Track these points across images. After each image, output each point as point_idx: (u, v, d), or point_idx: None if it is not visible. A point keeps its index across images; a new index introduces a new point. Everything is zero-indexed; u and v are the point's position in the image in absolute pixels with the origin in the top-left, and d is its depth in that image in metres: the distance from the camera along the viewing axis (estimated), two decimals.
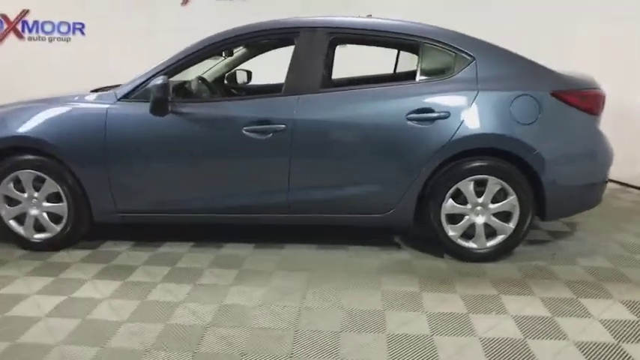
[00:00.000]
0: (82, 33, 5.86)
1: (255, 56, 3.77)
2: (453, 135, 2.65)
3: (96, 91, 3.13)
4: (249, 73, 4.05)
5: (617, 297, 2.44)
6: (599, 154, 2.79)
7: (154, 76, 2.78)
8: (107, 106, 2.81)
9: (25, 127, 2.82)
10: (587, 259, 2.92)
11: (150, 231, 3.23)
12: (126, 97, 2.83)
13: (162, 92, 2.63)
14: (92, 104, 2.85)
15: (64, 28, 5.80)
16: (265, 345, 2.03)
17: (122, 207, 2.90)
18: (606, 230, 3.40)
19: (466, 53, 2.76)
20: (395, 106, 2.71)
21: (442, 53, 2.80)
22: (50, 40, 5.79)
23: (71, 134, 2.81)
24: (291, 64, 2.81)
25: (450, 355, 1.97)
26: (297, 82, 2.78)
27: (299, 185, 2.79)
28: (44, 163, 2.84)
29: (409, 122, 2.68)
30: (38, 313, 2.27)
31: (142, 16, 5.96)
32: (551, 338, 2.08)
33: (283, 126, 2.70)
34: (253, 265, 2.81)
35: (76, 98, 2.92)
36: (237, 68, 3.88)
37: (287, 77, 2.81)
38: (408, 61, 3.93)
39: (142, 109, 2.76)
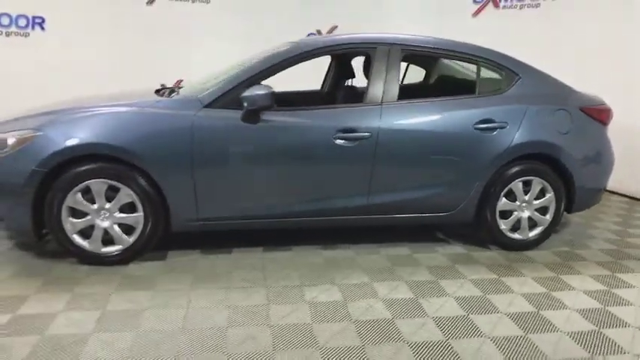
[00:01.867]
0: (42, 28, 5.34)
1: None
2: (511, 142, 3.09)
3: (158, 91, 3.01)
4: None
5: None
6: (609, 160, 3.43)
7: (243, 82, 2.81)
8: (193, 113, 2.76)
9: (103, 134, 2.67)
10: (594, 243, 3.57)
11: (202, 238, 3.21)
12: (211, 104, 2.80)
13: (268, 101, 2.69)
14: (175, 110, 2.78)
15: (22, 22, 5.22)
16: None
17: (204, 214, 2.86)
18: (589, 220, 4.14)
19: (512, 72, 3.24)
20: (463, 116, 3.08)
21: (495, 71, 3.24)
22: (7, 35, 5.17)
23: (155, 142, 2.71)
24: (370, 75, 3.03)
25: (562, 323, 2.38)
26: (377, 92, 3.01)
27: (379, 189, 3.02)
28: (120, 171, 2.70)
29: (476, 131, 3.06)
30: (174, 326, 2.22)
31: (105, 12, 5.63)
32: (621, 305, 2.61)
33: (369, 134, 2.92)
34: (359, 263, 2.98)
35: (154, 103, 2.82)
36: None
37: (368, 88, 3.02)
38: (416, 74, 4.37)
39: (231, 116, 2.79)
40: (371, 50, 3.08)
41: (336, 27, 7.07)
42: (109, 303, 2.40)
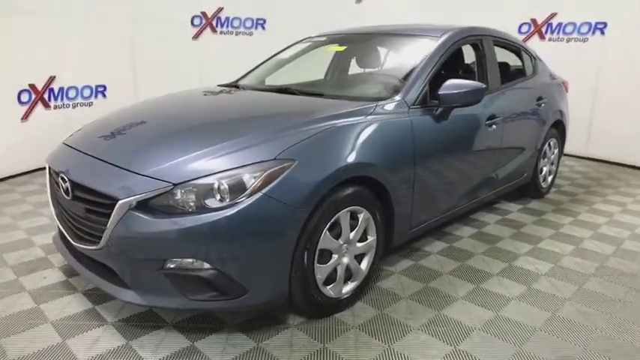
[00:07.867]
0: None
1: None
2: (550, 113, 3.93)
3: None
4: None
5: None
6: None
7: (427, 76, 2.71)
8: (406, 115, 2.52)
9: (364, 153, 2.25)
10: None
11: None
12: (413, 103, 2.60)
13: (480, 96, 2.69)
14: (398, 116, 2.49)
15: None
16: None
17: (415, 222, 2.68)
18: None
19: (534, 57, 4.04)
20: (531, 94, 3.74)
21: (529, 56, 3.97)
22: None
23: (388, 153, 2.38)
24: (486, 65, 3.28)
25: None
26: (494, 81, 3.31)
27: (502, 164, 3.42)
28: (362, 194, 2.27)
29: (537, 106, 3.76)
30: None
31: None
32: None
33: (500, 117, 3.24)
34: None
35: (364, 108, 2.42)
36: None
37: (488, 77, 3.26)
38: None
39: (429, 114, 2.67)
40: (478, 41, 3.32)
41: (221, 9, 6.47)
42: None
